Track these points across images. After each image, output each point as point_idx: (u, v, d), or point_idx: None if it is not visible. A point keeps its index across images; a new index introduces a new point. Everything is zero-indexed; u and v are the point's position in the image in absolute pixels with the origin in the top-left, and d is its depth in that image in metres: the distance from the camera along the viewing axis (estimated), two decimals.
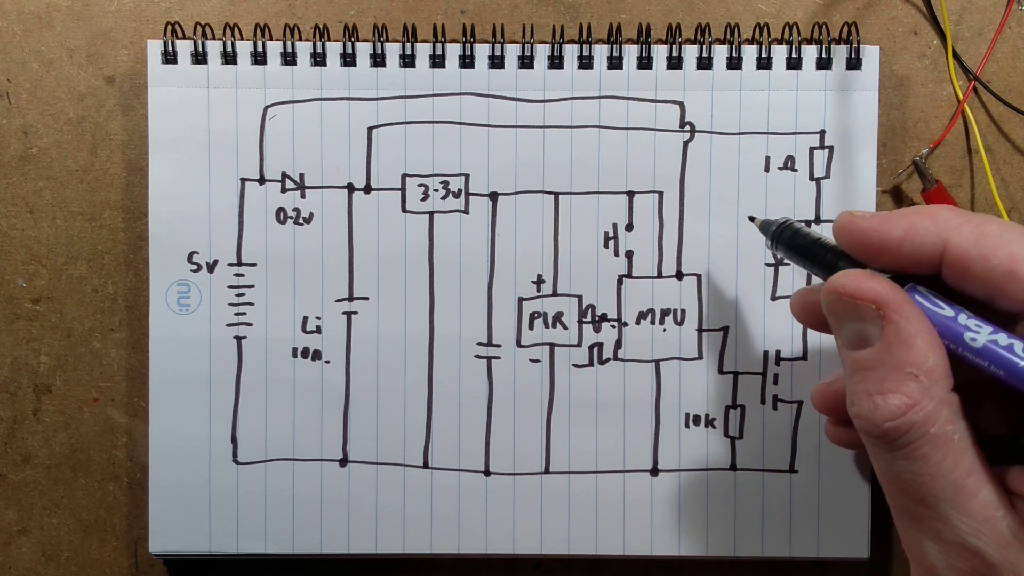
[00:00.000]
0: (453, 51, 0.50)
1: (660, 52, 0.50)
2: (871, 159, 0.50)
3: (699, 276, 0.51)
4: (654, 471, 0.51)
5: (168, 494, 0.51)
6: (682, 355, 0.51)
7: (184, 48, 0.50)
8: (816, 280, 0.50)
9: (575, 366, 0.51)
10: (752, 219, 0.46)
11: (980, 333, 0.35)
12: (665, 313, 0.51)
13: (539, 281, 0.51)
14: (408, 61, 0.50)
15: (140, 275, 0.52)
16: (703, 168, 0.51)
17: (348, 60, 0.50)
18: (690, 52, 0.50)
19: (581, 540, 0.51)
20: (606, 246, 0.51)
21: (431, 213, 0.51)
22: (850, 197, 0.50)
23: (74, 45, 0.52)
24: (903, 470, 0.35)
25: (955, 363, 0.35)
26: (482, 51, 0.51)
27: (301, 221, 0.51)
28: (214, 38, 0.51)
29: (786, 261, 0.50)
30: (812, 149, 0.51)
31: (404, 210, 0.51)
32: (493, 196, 0.51)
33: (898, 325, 0.35)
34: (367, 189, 0.51)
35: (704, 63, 0.50)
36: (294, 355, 0.51)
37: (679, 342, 0.51)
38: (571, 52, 0.50)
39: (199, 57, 0.50)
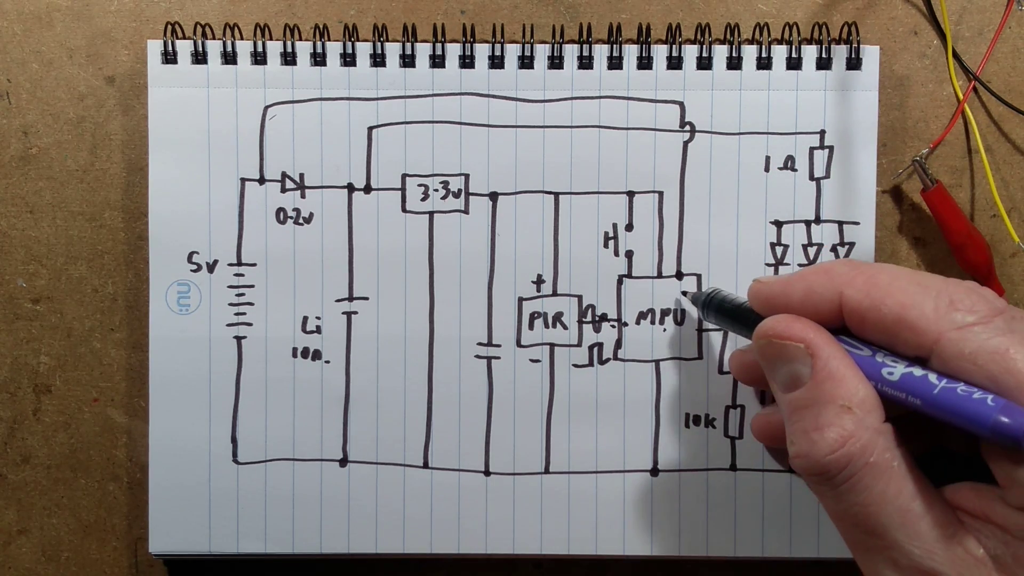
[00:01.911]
0: (453, 51, 0.50)
1: (660, 52, 0.50)
2: (871, 159, 0.50)
3: (699, 276, 0.51)
4: (654, 471, 0.51)
5: (168, 494, 0.51)
6: (682, 355, 0.51)
7: (184, 48, 0.50)
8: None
9: (575, 366, 0.51)
10: (684, 294, 0.50)
11: (896, 368, 0.36)
12: (665, 313, 0.51)
13: (539, 281, 0.51)
14: (408, 61, 0.50)
15: (140, 275, 0.52)
16: (703, 168, 0.51)
17: (348, 60, 0.50)
18: (690, 52, 0.50)
19: (581, 540, 0.51)
20: (606, 246, 0.51)
21: (431, 213, 0.51)
22: (850, 197, 0.50)
23: (74, 45, 0.52)
24: (850, 504, 0.36)
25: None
26: (482, 51, 0.51)
27: (301, 221, 0.51)
28: (214, 38, 0.51)
29: (716, 326, 0.51)
30: (812, 149, 0.51)
31: (404, 210, 0.51)
32: (493, 196, 0.51)
33: (827, 362, 0.36)
34: (367, 189, 0.51)
35: (704, 63, 0.50)
36: (294, 355, 0.51)
37: (679, 342, 0.51)
38: (571, 52, 0.50)
39: (199, 57, 0.50)
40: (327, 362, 0.51)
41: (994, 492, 0.35)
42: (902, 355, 0.36)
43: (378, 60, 0.50)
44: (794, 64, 0.50)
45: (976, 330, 0.35)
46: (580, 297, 0.51)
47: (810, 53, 0.50)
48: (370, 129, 0.51)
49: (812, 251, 0.51)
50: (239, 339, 0.51)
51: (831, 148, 0.50)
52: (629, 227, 0.51)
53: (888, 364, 0.36)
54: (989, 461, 0.35)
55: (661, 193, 0.51)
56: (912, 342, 0.36)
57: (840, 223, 0.51)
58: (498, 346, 0.51)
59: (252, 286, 0.51)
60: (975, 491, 0.36)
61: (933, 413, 0.34)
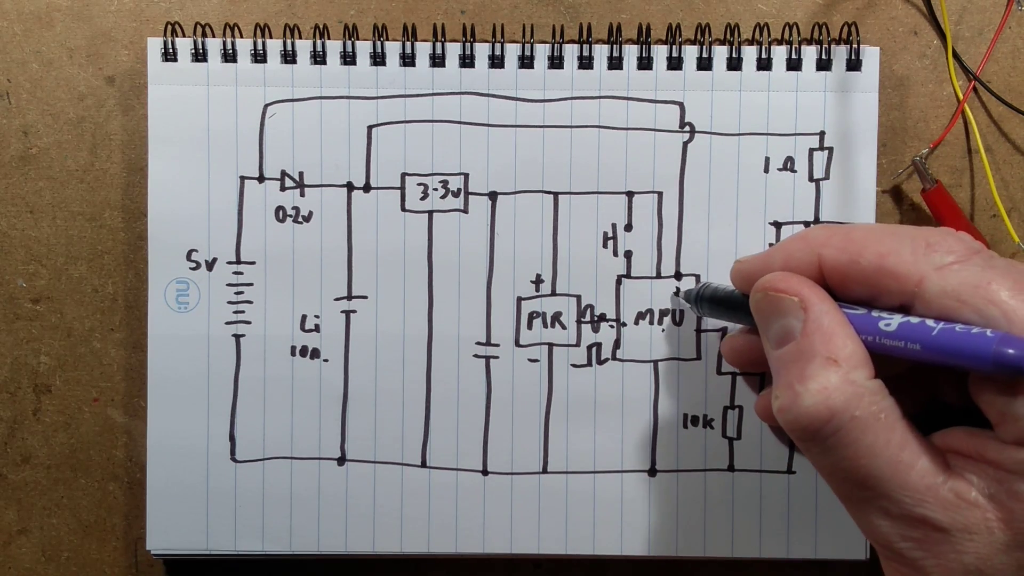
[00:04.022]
0: (453, 50, 0.50)
1: (660, 52, 0.50)
2: (871, 161, 0.50)
3: (698, 276, 0.51)
4: (652, 471, 0.51)
5: (166, 492, 0.51)
6: (680, 355, 0.51)
7: (184, 46, 0.50)
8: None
9: (573, 366, 0.51)
10: (676, 292, 0.50)
11: (892, 319, 0.36)
12: (664, 313, 0.51)
13: (538, 281, 0.51)
14: (408, 60, 0.50)
15: (140, 275, 0.52)
16: (703, 169, 0.51)
17: (348, 59, 0.51)
18: (690, 52, 0.50)
19: (579, 540, 0.51)
20: (605, 246, 0.51)
21: (430, 212, 0.51)
22: (850, 198, 0.50)
23: (74, 45, 0.52)
24: (839, 459, 0.36)
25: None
26: (482, 51, 0.51)
27: (300, 219, 0.51)
28: (214, 37, 0.51)
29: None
30: (812, 150, 0.51)
31: (403, 209, 0.51)
32: (492, 196, 0.51)
33: (817, 316, 0.37)
34: (366, 188, 0.51)
35: (704, 63, 0.50)
36: (292, 353, 0.51)
37: (677, 342, 0.51)
38: (571, 52, 0.51)
39: (199, 55, 0.50)
40: (326, 361, 0.51)
41: (986, 432, 0.35)
42: (887, 308, 0.37)
43: (378, 59, 0.51)
44: (794, 65, 0.50)
45: (955, 268, 0.35)
46: (579, 297, 0.51)
47: (810, 54, 0.50)
48: (370, 128, 0.51)
49: None
50: (238, 337, 0.51)
51: (831, 149, 0.50)
52: (628, 227, 0.51)
53: (884, 316, 0.36)
54: (981, 401, 0.35)
55: (660, 193, 0.51)
56: (895, 289, 0.36)
57: (839, 224, 0.51)
58: (497, 345, 0.51)
59: (251, 284, 0.51)
60: (967, 433, 0.36)
61: (932, 357, 0.35)
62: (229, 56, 0.50)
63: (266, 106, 0.51)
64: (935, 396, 0.41)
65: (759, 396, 0.46)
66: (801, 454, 0.50)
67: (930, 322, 0.35)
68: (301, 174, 0.51)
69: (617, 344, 0.51)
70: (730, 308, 0.44)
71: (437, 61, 0.50)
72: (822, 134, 0.50)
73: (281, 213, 0.51)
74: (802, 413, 0.36)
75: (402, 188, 0.51)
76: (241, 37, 0.51)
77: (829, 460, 0.36)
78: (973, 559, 0.35)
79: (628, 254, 0.51)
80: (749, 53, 0.50)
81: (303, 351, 0.51)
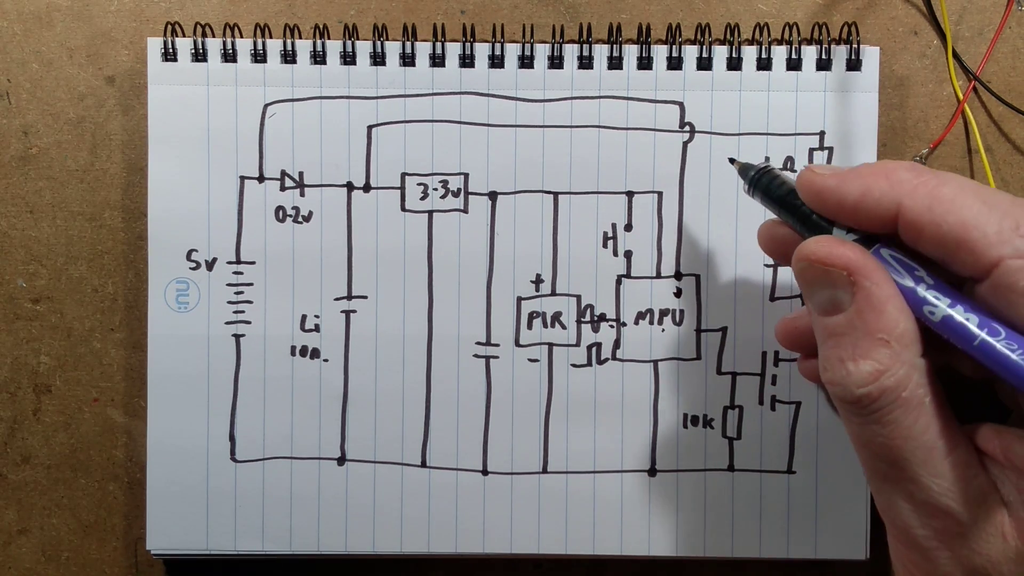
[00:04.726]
0: (453, 50, 0.51)
1: (660, 52, 0.50)
2: (871, 161, 0.50)
3: (698, 276, 0.51)
4: (652, 471, 0.51)
5: (166, 491, 0.51)
6: (680, 355, 0.51)
7: (184, 46, 0.50)
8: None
9: (573, 366, 0.51)
10: (732, 161, 0.46)
11: (938, 308, 0.35)
12: (664, 313, 0.51)
13: (538, 281, 0.51)
14: (408, 60, 0.50)
15: (140, 275, 0.52)
16: (702, 168, 0.51)
17: (348, 59, 0.51)
18: (690, 52, 0.50)
19: (578, 540, 0.51)
20: (605, 246, 0.51)
21: (430, 212, 0.51)
22: None
23: (74, 45, 0.52)
24: (875, 434, 0.35)
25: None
26: (482, 51, 0.51)
27: (300, 219, 0.51)
28: (214, 37, 0.51)
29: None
30: (812, 150, 0.51)
31: (403, 209, 0.51)
32: (492, 195, 0.51)
33: (869, 291, 0.35)
34: (366, 188, 0.51)
35: (704, 63, 0.50)
36: (292, 353, 0.51)
37: (677, 342, 0.51)
38: (571, 52, 0.51)
39: (199, 55, 0.50)
40: (325, 360, 0.51)
41: (1015, 433, 0.35)
42: (954, 273, 0.36)
43: (378, 59, 0.51)
44: (794, 65, 0.50)
45: None
46: (579, 297, 0.51)
47: (810, 54, 0.50)
48: (370, 128, 0.51)
49: None
50: (237, 337, 0.51)
51: (831, 149, 0.50)
52: (628, 227, 0.51)
53: (931, 302, 0.35)
54: (1015, 405, 0.35)
55: (660, 193, 0.51)
56: (969, 263, 0.35)
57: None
58: (496, 345, 0.51)
59: (251, 284, 0.51)
60: (995, 432, 0.36)
61: (969, 352, 0.34)
62: (229, 56, 0.50)
63: (266, 106, 0.51)
64: (950, 364, 0.40)
65: (782, 320, 0.44)
66: (801, 454, 0.50)
67: (973, 326, 0.34)
68: (301, 174, 0.51)
69: (617, 344, 0.51)
70: (785, 209, 0.41)
71: (437, 61, 0.50)
72: (822, 134, 0.50)
73: (281, 213, 0.51)
74: (852, 390, 0.35)
75: (402, 188, 0.51)
76: (241, 37, 0.51)
77: (866, 434, 0.36)
78: (983, 560, 0.35)
79: (628, 254, 0.51)
80: (749, 53, 0.50)
81: (303, 351, 0.51)
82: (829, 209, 0.38)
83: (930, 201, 0.35)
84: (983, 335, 0.34)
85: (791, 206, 0.41)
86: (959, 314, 0.35)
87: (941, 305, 0.35)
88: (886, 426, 0.35)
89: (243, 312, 0.51)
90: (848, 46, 0.50)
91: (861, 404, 0.35)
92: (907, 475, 0.35)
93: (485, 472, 0.51)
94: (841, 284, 0.36)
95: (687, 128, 0.51)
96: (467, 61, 0.51)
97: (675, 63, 0.50)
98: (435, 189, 0.51)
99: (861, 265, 0.36)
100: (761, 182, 0.43)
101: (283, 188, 0.51)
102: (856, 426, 0.36)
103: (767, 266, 0.51)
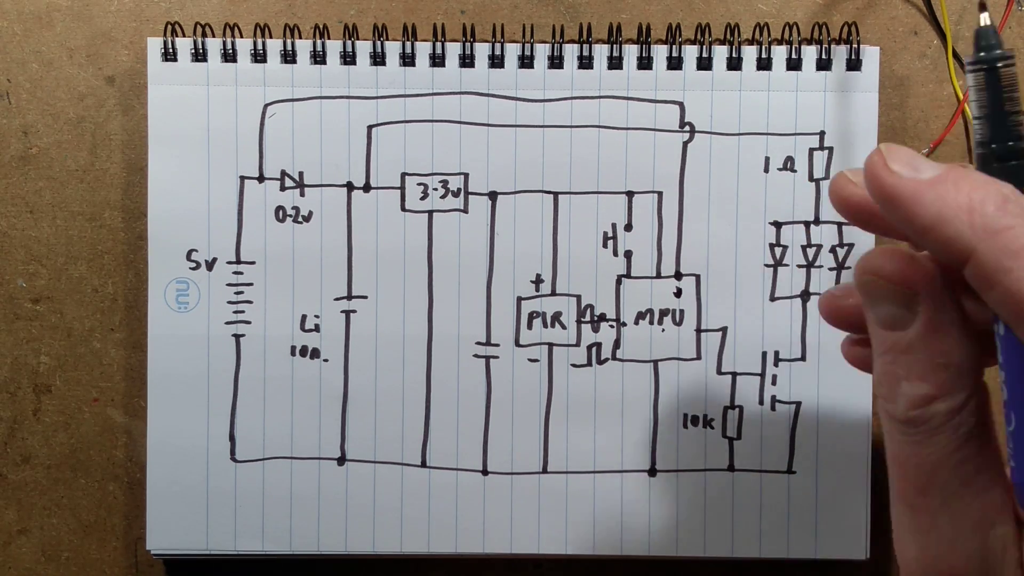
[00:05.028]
0: (453, 50, 0.50)
1: (660, 52, 0.50)
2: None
3: (698, 276, 0.51)
4: (652, 471, 0.51)
5: (166, 491, 0.51)
6: (680, 355, 0.51)
7: (184, 46, 0.50)
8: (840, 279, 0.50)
9: (573, 366, 0.51)
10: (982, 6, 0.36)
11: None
12: (664, 313, 0.51)
13: (538, 281, 0.51)
14: (408, 60, 0.50)
15: (140, 275, 0.52)
16: (703, 168, 0.51)
17: (348, 59, 0.51)
18: (690, 52, 0.50)
19: (578, 540, 0.51)
20: (605, 246, 0.51)
21: (430, 212, 0.51)
22: None
23: (74, 45, 0.52)
24: (913, 454, 0.34)
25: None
26: (482, 51, 0.51)
27: (300, 219, 0.51)
28: (214, 37, 0.51)
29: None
30: (812, 150, 0.51)
31: (403, 209, 0.51)
32: (492, 195, 0.51)
33: (934, 314, 0.34)
34: (366, 188, 0.51)
35: (704, 63, 0.50)
36: (292, 353, 0.51)
37: (677, 342, 0.51)
38: (571, 52, 0.51)
39: (199, 55, 0.50)
40: (325, 360, 0.51)
41: None
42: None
43: (378, 59, 0.51)
44: (794, 65, 0.50)
45: None
46: (579, 297, 0.51)
47: (810, 54, 0.50)
48: (370, 128, 0.51)
49: (811, 252, 0.51)
50: (237, 337, 0.51)
51: (831, 149, 0.50)
52: (628, 227, 0.51)
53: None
54: None
55: (660, 193, 0.51)
56: None
57: (839, 224, 0.51)
58: (496, 345, 0.51)
59: (251, 284, 0.51)
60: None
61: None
62: (229, 56, 0.50)
63: (266, 106, 0.51)
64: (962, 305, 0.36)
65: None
66: (801, 454, 0.50)
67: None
68: (301, 174, 0.51)
69: (617, 344, 0.51)
70: (989, 111, 0.34)
71: (437, 61, 0.50)
72: (822, 134, 0.50)
73: (281, 213, 0.51)
74: (904, 410, 0.34)
75: (402, 188, 0.51)
76: (241, 37, 0.51)
77: (905, 451, 0.34)
78: None
79: (628, 254, 0.51)
80: (749, 53, 0.50)
81: (303, 351, 0.51)
82: (894, 217, 0.33)
83: (1018, 267, 0.31)
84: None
85: (999, 116, 0.34)
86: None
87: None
88: (926, 448, 0.33)
89: (243, 312, 0.51)
90: (848, 46, 0.50)
91: (911, 424, 0.34)
92: (932, 505, 0.34)
93: (485, 472, 0.51)
94: (905, 302, 0.34)
95: (687, 128, 0.51)
96: (467, 61, 0.51)
97: (675, 63, 0.50)
98: (435, 189, 0.51)
99: (929, 286, 0.34)
100: (991, 73, 0.34)
101: (283, 188, 0.51)
102: (896, 443, 0.35)
103: (767, 266, 0.51)
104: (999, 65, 0.34)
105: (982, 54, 0.35)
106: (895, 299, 0.35)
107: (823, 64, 0.50)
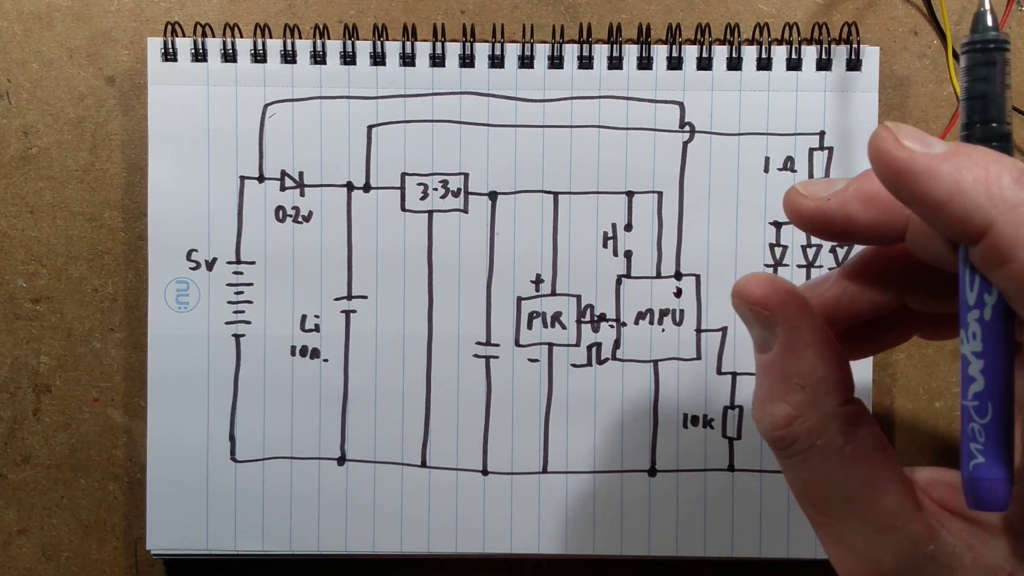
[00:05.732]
0: (453, 50, 0.50)
1: (660, 52, 0.50)
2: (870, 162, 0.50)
3: (698, 276, 0.51)
4: (652, 471, 0.51)
5: (166, 491, 0.51)
6: (680, 355, 0.51)
7: (184, 46, 0.50)
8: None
9: (573, 366, 0.51)
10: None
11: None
12: (664, 313, 0.51)
13: (538, 281, 0.51)
14: (408, 60, 0.50)
15: (140, 275, 0.52)
16: (703, 168, 0.51)
17: (348, 59, 0.51)
18: (690, 52, 0.50)
19: (578, 540, 0.51)
20: (605, 246, 0.51)
21: (430, 212, 0.51)
22: None
23: (74, 45, 0.52)
24: (795, 477, 0.35)
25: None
26: (482, 51, 0.51)
27: (300, 219, 0.51)
28: (214, 37, 0.51)
29: None
30: (812, 150, 0.51)
31: (403, 209, 0.51)
32: (492, 195, 0.51)
33: (789, 335, 0.34)
34: (366, 188, 0.51)
35: (704, 63, 0.50)
36: (292, 353, 0.51)
37: (677, 342, 0.51)
38: (571, 52, 0.51)
39: (199, 55, 0.50)
40: (325, 360, 0.51)
41: (946, 477, 0.35)
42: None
43: (378, 59, 0.51)
44: (794, 65, 0.50)
45: None
46: (579, 297, 0.51)
47: (810, 54, 0.50)
48: (370, 128, 0.51)
49: (811, 252, 0.51)
50: (237, 337, 0.51)
51: (831, 149, 0.50)
52: (628, 227, 0.51)
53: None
54: None
55: (660, 193, 0.51)
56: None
57: None
58: (496, 345, 0.51)
59: (251, 284, 0.51)
60: (946, 480, 0.35)
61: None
62: (229, 56, 0.50)
63: (266, 106, 0.51)
64: (905, 298, 0.37)
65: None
66: None
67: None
68: (301, 174, 0.51)
69: (617, 344, 0.51)
70: (967, 92, 0.34)
71: (437, 61, 0.50)
72: (822, 134, 0.50)
73: (281, 213, 0.51)
74: (766, 431, 0.34)
75: (402, 188, 0.51)
76: (241, 37, 0.51)
77: (789, 475, 0.35)
78: None
79: (628, 254, 0.51)
80: (749, 53, 0.50)
81: (303, 351, 0.51)
82: (905, 194, 0.31)
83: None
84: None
85: (987, 97, 0.34)
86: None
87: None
88: (806, 471, 0.34)
89: (243, 312, 0.51)
90: (848, 46, 0.50)
91: (776, 447, 0.34)
92: (831, 520, 0.34)
93: (485, 472, 0.51)
94: (767, 324, 0.35)
95: (687, 128, 0.51)
96: (467, 61, 0.51)
97: (675, 63, 0.50)
98: (435, 189, 0.51)
99: (785, 308, 0.34)
100: (977, 56, 0.35)
101: (283, 188, 0.51)
102: (782, 467, 0.35)
103: (767, 266, 0.51)
104: (992, 47, 0.35)
105: (976, 35, 0.35)
106: (759, 322, 0.35)
107: (823, 64, 0.50)
